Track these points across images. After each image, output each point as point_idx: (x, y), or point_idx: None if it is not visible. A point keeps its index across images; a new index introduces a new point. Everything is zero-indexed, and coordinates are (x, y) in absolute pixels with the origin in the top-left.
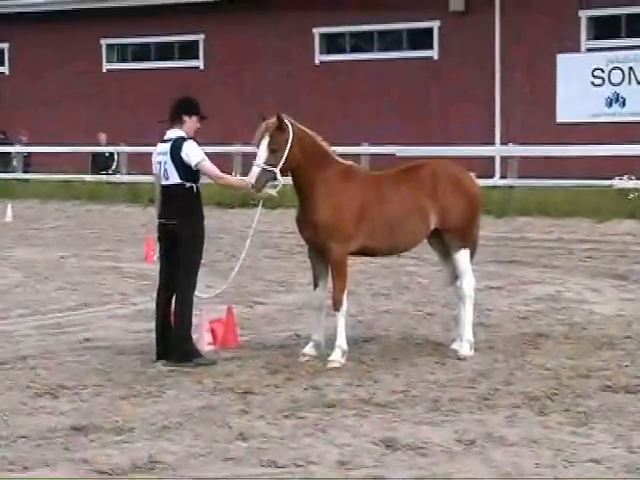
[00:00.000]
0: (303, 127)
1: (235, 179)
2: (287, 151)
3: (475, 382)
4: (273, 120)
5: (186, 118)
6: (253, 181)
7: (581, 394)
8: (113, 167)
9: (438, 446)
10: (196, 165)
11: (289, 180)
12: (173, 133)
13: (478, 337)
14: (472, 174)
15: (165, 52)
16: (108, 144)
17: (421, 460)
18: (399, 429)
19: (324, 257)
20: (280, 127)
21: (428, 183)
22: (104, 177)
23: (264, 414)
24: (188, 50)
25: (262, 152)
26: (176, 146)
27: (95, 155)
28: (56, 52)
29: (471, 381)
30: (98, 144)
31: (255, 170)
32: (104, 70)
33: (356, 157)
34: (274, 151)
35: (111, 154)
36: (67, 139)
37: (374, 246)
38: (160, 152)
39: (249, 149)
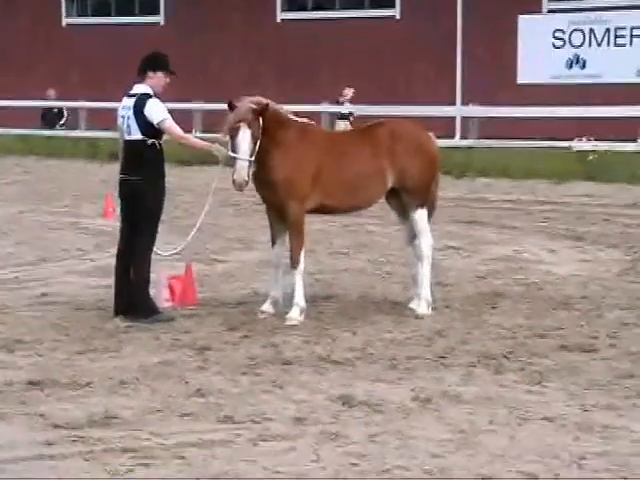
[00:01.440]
0: (259, 98)
1: (197, 140)
2: (260, 136)
3: (432, 341)
4: (246, 107)
5: (151, 74)
6: (246, 177)
7: (537, 353)
8: (61, 122)
9: (394, 404)
10: (158, 124)
11: None
12: (139, 88)
13: (436, 296)
14: (431, 134)
15: (125, 7)
16: (58, 99)
17: (377, 417)
18: (356, 386)
19: (282, 215)
20: (257, 116)
21: (386, 142)
22: (63, 133)
23: (221, 370)
24: (148, 5)
25: (245, 145)
26: (140, 102)
27: (45, 111)
28: (14, 5)
29: (428, 340)
30: (48, 99)
31: (244, 165)
32: (63, 24)
33: (316, 116)
34: (254, 141)
35: (60, 110)
36: (25, 93)
37: (331, 204)
38: (124, 106)
39: (209, 106)
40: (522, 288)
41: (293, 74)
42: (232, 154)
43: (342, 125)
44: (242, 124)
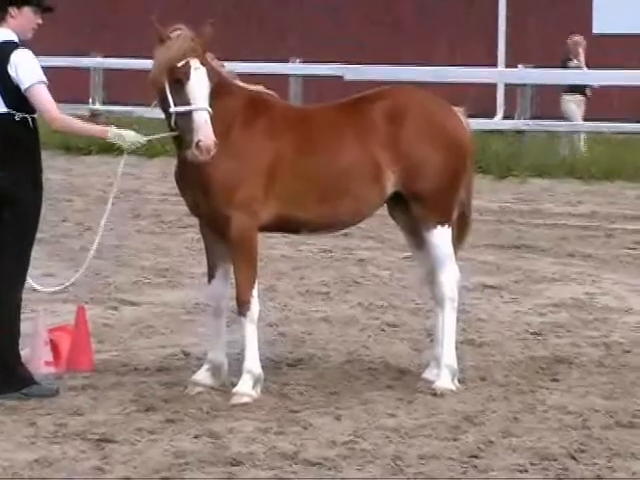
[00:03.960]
0: None
1: (82, 125)
2: None
3: (459, 431)
4: (190, 37)
5: (13, 11)
6: (214, 137)
7: (621, 452)
8: None
9: None
10: (26, 89)
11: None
12: None
13: (465, 362)
14: (458, 110)
15: None
16: None
17: None
18: None
19: (222, 233)
20: (204, 47)
21: (384, 122)
22: None
23: (131, 475)
24: None
25: (204, 89)
26: (1, 56)
27: None
28: None
29: (452, 429)
30: None
31: (207, 118)
32: None
33: (283, 79)
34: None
35: None
36: None
37: (297, 217)
38: None
39: (114, 63)
40: (599, 351)
41: (249, 17)
42: (178, 108)
43: (572, 105)
44: (192, 59)
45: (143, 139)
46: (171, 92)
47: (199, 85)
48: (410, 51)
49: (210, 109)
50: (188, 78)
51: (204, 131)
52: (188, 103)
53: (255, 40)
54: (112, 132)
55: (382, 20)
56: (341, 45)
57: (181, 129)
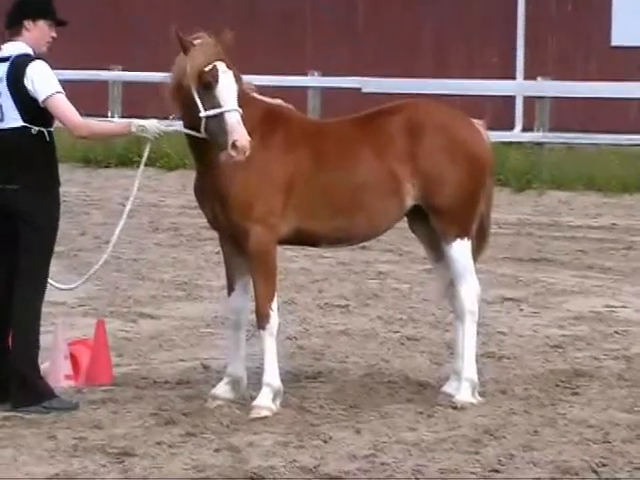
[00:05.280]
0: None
1: (104, 125)
2: None
3: (479, 444)
4: (214, 42)
5: (28, 24)
6: (248, 137)
7: None
8: None
9: None
10: (44, 100)
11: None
12: (12, 48)
13: (485, 375)
14: (478, 123)
15: None
16: None
17: None
18: None
19: (241, 246)
20: (227, 50)
21: (402, 135)
22: None
23: None
24: None
25: (233, 92)
26: (17, 69)
27: None
28: None
29: (473, 443)
30: None
31: (239, 119)
32: None
33: (301, 91)
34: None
35: None
36: None
37: (314, 230)
38: None
39: (132, 76)
40: (619, 364)
41: (265, 31)
42: (209, 112)
43: None
44: (219, 63)
45: (166, 128)
46: (200, 97)
47: (228, 87)
48: (426, 62)
49: (240, 110)
50: (217, 81)
51: (238, 131)
52: (218, 106)
53: (271, 52)
54: (135, 125)
55: (398, 31)
56: (360, 58)
57: (213, 133)
